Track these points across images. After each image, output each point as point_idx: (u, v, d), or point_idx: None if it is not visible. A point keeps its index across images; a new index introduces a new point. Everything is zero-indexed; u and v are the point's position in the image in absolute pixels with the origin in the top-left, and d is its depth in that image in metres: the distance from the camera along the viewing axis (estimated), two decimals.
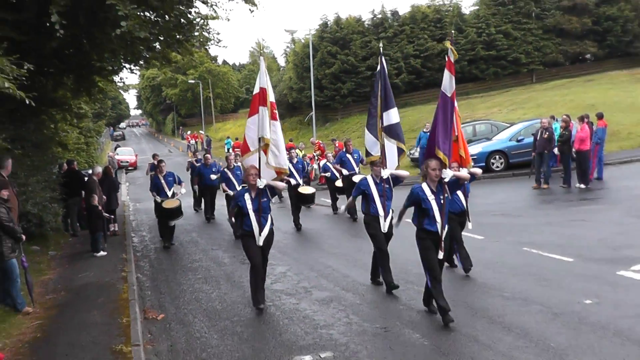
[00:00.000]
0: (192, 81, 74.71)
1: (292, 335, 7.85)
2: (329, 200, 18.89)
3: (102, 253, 13.81)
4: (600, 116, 18.62)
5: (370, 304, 9.02)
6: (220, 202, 18.87)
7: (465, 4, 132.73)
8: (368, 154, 10.05)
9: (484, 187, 19.66)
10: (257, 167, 9.12)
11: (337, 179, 17.77)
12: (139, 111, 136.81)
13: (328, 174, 18.47)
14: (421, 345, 7.16)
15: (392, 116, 9.79)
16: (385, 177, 9.62)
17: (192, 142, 59.13)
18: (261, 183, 8.95)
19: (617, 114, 27.19)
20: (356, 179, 15.44)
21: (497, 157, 22.63)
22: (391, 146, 9.84)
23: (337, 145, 23.16)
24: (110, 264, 12.88)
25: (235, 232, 14.40)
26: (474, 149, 22.49)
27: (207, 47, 17.73)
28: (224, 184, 16.08)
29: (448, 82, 8.06)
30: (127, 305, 9.46)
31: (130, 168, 46.60)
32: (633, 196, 15.28)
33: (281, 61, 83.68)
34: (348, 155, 17.27)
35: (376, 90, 9.97)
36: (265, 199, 9.07)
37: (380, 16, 52.91)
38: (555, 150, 18.64)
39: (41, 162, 15.38)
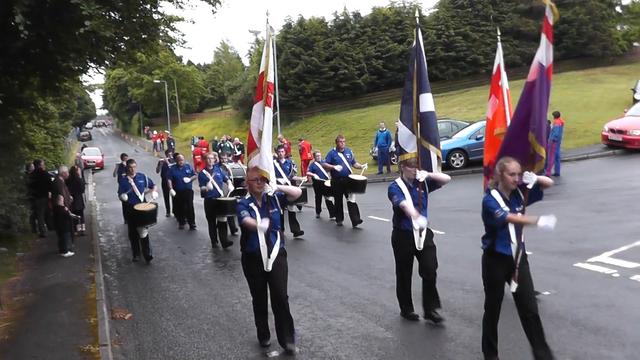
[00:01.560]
0: (158, 81, 73.95)
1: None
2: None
3: (69, 253, 13.71)
4: (557, 115, 19.20)
5: (335, 300, 9.13)
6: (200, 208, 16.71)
7: (425, 6, 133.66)
8: (402, 151, 8.17)
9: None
10: (265, 170, 7.04)
11: (327, 179, 16.03)
12: (105, 111, 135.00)
13: (315, 175, 16.25)
14: (385, 339, 7.30)
15: (427, 102, 7.91)
16: (421, 180, 7.75)
17: (158, 141, 58.17)
18: (270, 189, 6.99)
19: (573, 112, 27.98)
20: (356, 176, 14.97)
21: (457, 154, 23.08)
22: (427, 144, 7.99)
23: (301, 144, 23.28)
24: (77, 264, 12.81)
25: (214, 241, 14.13)
26: None
27: (172, 48, 17.71)
28: (204, 187, 13.94)
29: (545, 49, 6.52)
30: (95, 305, 9.44)
31: (97, 168, 46.01)
32: (589, 191, 15.76)
33: (246, 62, 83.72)
34: (340, 155, 15.27)
35: (411, 71, 8.06)
36: (275, 210, 7.11)
37: (342, 18, 53.23)
38: None
39: (8, 162, 15.19)
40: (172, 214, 19.28)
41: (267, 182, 6.99)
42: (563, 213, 13.60)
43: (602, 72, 45.60)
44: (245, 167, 18.60)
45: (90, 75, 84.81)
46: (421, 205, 7.70)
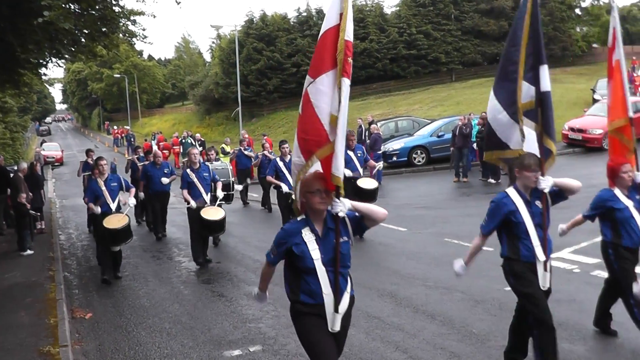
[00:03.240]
0: (118, 75, 73.01)
1: (220, 330, 7.83)
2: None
3: (28, 252, 13.43)
4: None
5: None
6: (179, 217, 15.75)
7: (387, 4, 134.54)
8: (501, 145, 5.96)
9: (406, 180, 20.31)
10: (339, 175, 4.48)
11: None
12: (65, 105, 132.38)
13: None
14: (348, 336, 7.27)
15: (547, 78, 5.75)
16: (546, 190, 5.61)
17: (119, 137, 56.95)
18: (342, 207, 4.44)
19: None
20: (365, 182, 12.57)
21: (419, 152, 23.27)
22: (531, 135, 5.81)
23: (265, 140, 23.08)
24: (37, 262, 12.56)
25: (196, 259, 11.62)
26: (397, 144, 23.33)
27: (133, 42, 17.44)
28: (185, 192, 11.51)
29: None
30: (55, 305, 9.25)
31: (56, 164, 45.12)
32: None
33: (207, 56, 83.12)
34: (350, 153, 12.82)
35: (518, 34, 5.80)
36: (346, 240, 4.59)
37: (305, 14, 53.47)
38: (475, 146, 19.45)
39: None
40: (142, 221, 16.66)
41: (339, 196, 4.49)
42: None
43: (561, 73, 46.44)
44: (230, 166, 16.72)
45: (49, 68, 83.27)
46: (545, 228, 5.65)
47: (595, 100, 27.91)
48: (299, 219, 4.64)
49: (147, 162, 15.37)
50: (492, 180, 18.05)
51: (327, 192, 4.48)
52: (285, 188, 12.42)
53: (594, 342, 6.38)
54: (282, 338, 7.38)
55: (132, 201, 11.38)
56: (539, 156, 5.65)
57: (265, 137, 23.64)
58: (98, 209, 10.58)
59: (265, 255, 4.75)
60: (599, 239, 10.23)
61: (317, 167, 4.71)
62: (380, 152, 20.69)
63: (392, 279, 9.43)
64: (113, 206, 10.70)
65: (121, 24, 15.03)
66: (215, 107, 56.93)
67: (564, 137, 22.61)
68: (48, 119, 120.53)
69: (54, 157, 45.24)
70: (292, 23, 53.27)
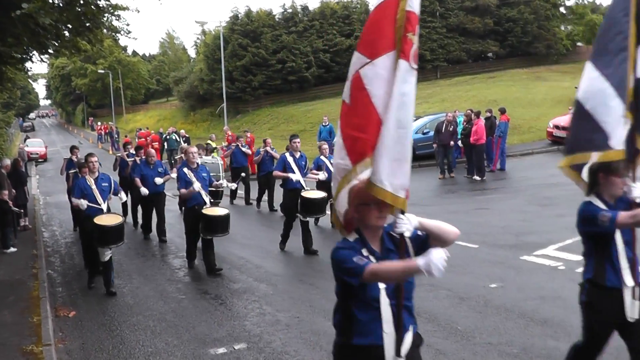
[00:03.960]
0: (102, 71, 72.33)
1: (205, 328, 7.77)
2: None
3: (12, 249, 13.23)
4: (502, 111, 19.73)
5: (283, 294, 9.07)
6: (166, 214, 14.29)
7: (372, 1, 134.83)
8: (601, 144, 4.57)
9: None
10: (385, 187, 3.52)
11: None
12: (49, 101, 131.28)
13: (323, 175, 12.42)
14: (333, 334, 7.25)
15: None
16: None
17: (103, 133, 55.84)
18: (407, 226, 3.59)
19: (518, 109, 28.68)
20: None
21: None
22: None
23: (248, 136, 22.96)
24: (20, 260, 12.40)
25: (191, 262, 11.01)
26: None
27: (117, 38, 17.24)
28: (183, 190, 10.46)
29: None
30: (38, 304, 9.14)
31: (40, 160, 44.65)
32: (533, 186, 16.13)
33: (192, 52, 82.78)
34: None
35: (626, 5, 4.55)
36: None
37: (290, 11, 53.41)
38: (459, 143, 19.51)
39: None
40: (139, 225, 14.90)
41: (402, 211, 3.59)
42: (508, 207, 13.87)
43: (546, 70, 46.87)
44: (220, 161, 16.39)
45: (33, 62, 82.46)
46: (634, 246, 4.55)
47: None
48: (351, 239, 3.65)
49: (137, 159, 14.39)
50: (477, 177, 18.09)
51: (385, 204, 3.55)
52: (295, 177, 11.56)
53: (579, 339, 6.37)
54: (267, 336, 7.33)
55: (123, 196, 10.86)
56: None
57: (248, 133, 23.50)
58: (84, 203, 9.57)
59: (356, 270, 3.40)
60: None
61: (368, 173, 3.64)
62: None
63: None
64: (104, 207, 9.78)
65: (105, 19, 14.86)
66: (200, 103, 56.70)
67: (548, 134, 22.92)
68: (32, 115, 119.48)
69: (37, 154, 44.74)
70: (277, 19, 53.18)
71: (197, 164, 10.74)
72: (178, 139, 31.03)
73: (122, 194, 10.62)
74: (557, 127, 22.24)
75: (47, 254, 13.35)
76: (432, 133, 21.90)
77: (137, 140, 34.07)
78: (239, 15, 52.15)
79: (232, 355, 6.80)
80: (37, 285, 10.25)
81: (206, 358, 6.80)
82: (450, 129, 19.06)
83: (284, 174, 11.71)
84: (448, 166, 19.19)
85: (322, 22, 52.03)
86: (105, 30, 15.80)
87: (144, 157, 13.94)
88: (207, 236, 10.33)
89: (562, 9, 58.45)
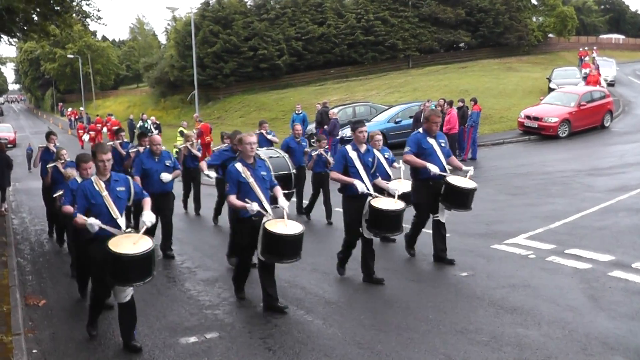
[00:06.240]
0: (71, 56, 71.04)
1: (176, 317, 7.67)
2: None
3: None
4: (474, 101, 19.84)
5: (255, 283, 8.92)
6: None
7: None
8: None
9: None
10: None
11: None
12: (18, 86, 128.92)
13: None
14: (305, 322, 7.22)
15: None
16: None
17: (73, 118, 54.55)
18: None
19: (489, 99, 28.91)
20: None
21: None
22: None
23: (200, 127, 22.62)
24: None
25: (241, 294, 8.24)
26: None
27: (87, 24, 16.90)
28: (233, 198, 7.42)
29: None
30: (8, 292, 8.90)
31: (9, 145, 43.83)
32: (504, 175, 16.26)
33: (162, 38, 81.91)
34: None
35: None
36: None
37: None
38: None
39: None
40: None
41: None
42: (479, 196, 13.86)
43: (517, 61, 47.36)
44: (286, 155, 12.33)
45: (0, 45, 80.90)
46: None
47: (551, 89, 28.55)
48: None
49: (140, 149, 11.52)
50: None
51: None
52: (361, 187, 8.19)
53: (548, 327, 6.44)
54: (240, 324, 7.28)
55: (150, 217, 6.60)
56: None
57: (200, 124, 23.22)
58: (95, 224, 6.18)
59: None
60: (554, 225, 10.45)
61: None
62: (338, 137, 20.67)
63: (350, 264, 9.37)
64: (122, 223, 6.49)
65: (75, 3, 14.60)
66: (171, 90, 56.13)
67: (519, 124, 23.11)
68: (0, 99, 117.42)
69: (6, 139, 43.90)
70: (249, 6, 52.87)
71: (255, 158, 7.68)
72: (150, 128, 30.31)
73: (148, 215, 6.60)
74: (528, 117, 22.47)
75: (17, 242, 13.08)
76: (404, 122, 22.01)
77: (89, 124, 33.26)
78: (210, 2, 51.71)
79: (204, 344, 6.72)
80: (7, 274, 10.02)
81: (177, 347, 6.70)
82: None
83: (348, 180, 8.32)
84: None
85: (294, 10, 51.84)
86: (74, 15, 15.52)
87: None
88: (269, 260, 7.44)
89: (533, 1, 58.94)
